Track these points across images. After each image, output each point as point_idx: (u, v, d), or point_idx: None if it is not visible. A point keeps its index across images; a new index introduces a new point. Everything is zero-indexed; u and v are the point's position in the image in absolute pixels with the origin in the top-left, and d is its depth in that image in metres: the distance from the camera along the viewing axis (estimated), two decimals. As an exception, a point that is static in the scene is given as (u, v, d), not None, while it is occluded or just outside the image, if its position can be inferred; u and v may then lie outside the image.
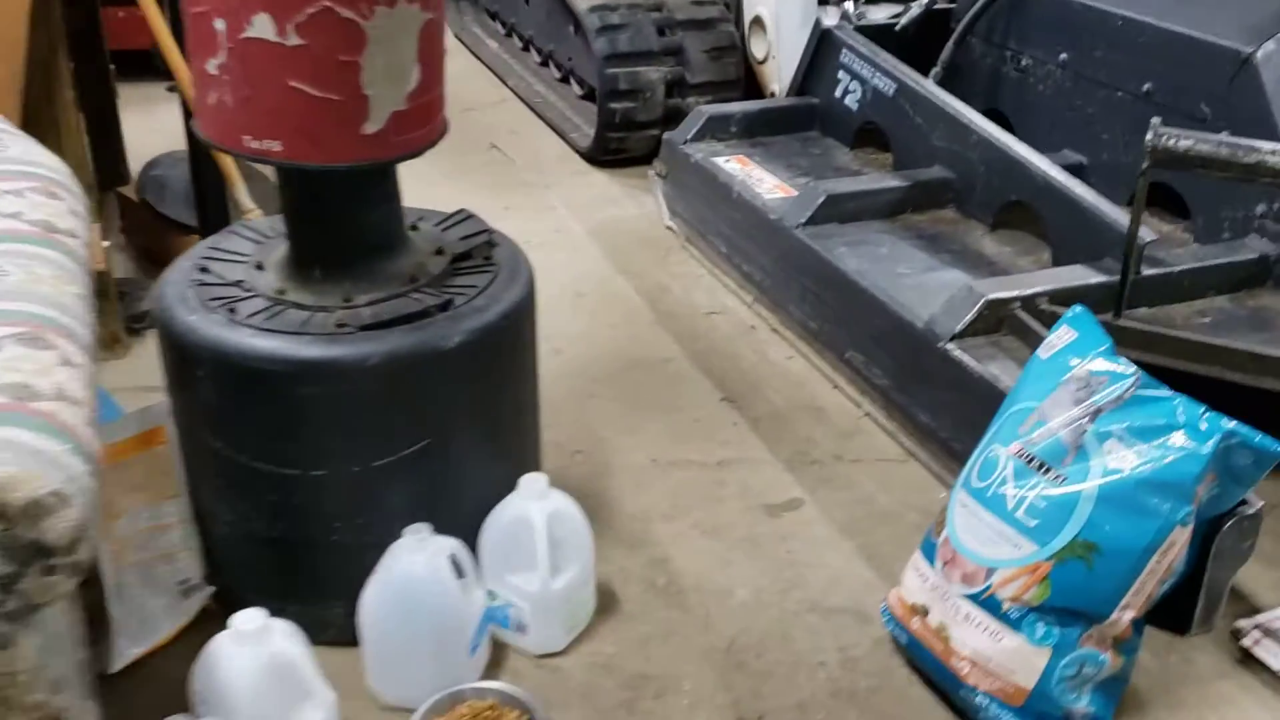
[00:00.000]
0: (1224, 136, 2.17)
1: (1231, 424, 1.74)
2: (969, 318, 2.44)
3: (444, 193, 4.16)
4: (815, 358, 2.99)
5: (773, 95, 4.05)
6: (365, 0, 1.71)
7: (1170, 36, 2.94)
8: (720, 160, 3.48)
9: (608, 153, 4.23)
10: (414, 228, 2.18)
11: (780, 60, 3.99)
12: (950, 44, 3.50)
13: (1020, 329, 2.43)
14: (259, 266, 2.05)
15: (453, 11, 6.00)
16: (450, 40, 6.06)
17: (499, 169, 4.30)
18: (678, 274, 3.48)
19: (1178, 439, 1.75)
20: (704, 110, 3.67)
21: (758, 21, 4.07)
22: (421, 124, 1.89)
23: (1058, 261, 2.81)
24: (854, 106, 3.54)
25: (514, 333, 2.03)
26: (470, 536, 2.00)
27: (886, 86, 3.37)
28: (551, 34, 4.83)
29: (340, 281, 1.97)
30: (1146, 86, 3.01)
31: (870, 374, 2.75)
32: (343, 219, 1.96)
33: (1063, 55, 3.26)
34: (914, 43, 3.69)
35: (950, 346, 2.44)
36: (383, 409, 1.88)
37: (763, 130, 3.69)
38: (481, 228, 2.20)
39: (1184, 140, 2.11)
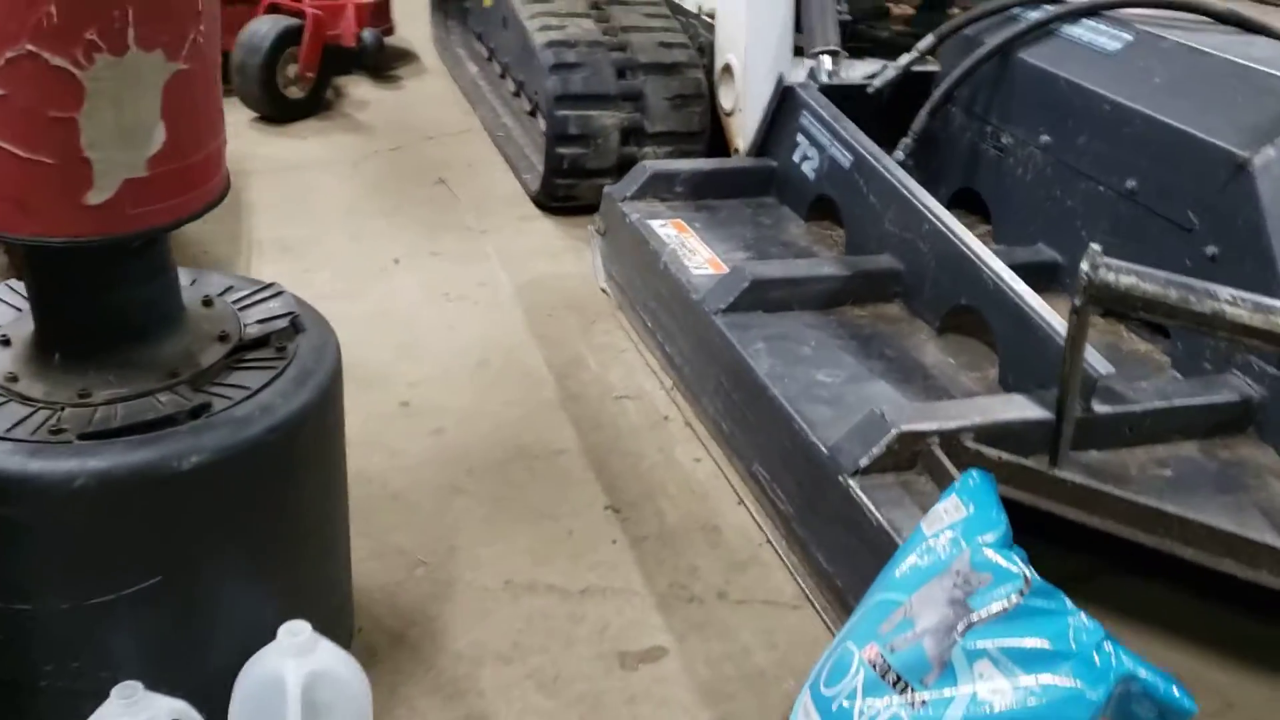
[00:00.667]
0: (1175, 276, 1.79)
1: (1134, 665, 1.35)
2: (876, 451, 2.07)
3: (373, 228, 3.78)
4: (725, 464, 2.61)
5: (736, 152, 3.68)
6: (81, 46, 1.37)
7: (1160, 129, 2.56)
8: (656, 224, 3.12)
9: (555, 199, 3.88)
10: (207, 302, 1.83)
11: (746, 114, 3.62)
12: (924, 111, 3.12)
13: (936, 470, 2.05)
14: (5, 341, 1.71)
15: (440, 29, 5.69)
16: (432, 60, 5.80)
17: (440, 206, 3.97)
18: (598, 345, 3.12)
19: (1064, 675, 1.37)
20: (648, 166, 3.31)
21: (727, 70, 3.70)
22: (174, 192, 1.54)
23: (1004, 382, 2.43)
24: (810, 175, 3.17)
25: (288, 449, 1.67)
26: (225, 693, 1.65)
27: (843, 157, 3.00)
28: (524, 63, 4.49)
29: (81, 371, 1.63)
30: (1131, 184, 2.63)
31: (774, 496, 2.37)
32: (84, 298, 1.61)
33: (1045, 137, 2.88)
34: (889, 108, 3.31)
35: (852, 482, 2.07)
36: (98, 538, 1.53)
37: (711, 192, 3.33)
38: (288, 309, 1.85)
39: (1126, 276, 1.73)
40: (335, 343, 1.86)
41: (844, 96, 3.25)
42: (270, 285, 1.91)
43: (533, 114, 4.43)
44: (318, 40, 4.63)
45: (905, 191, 2.75)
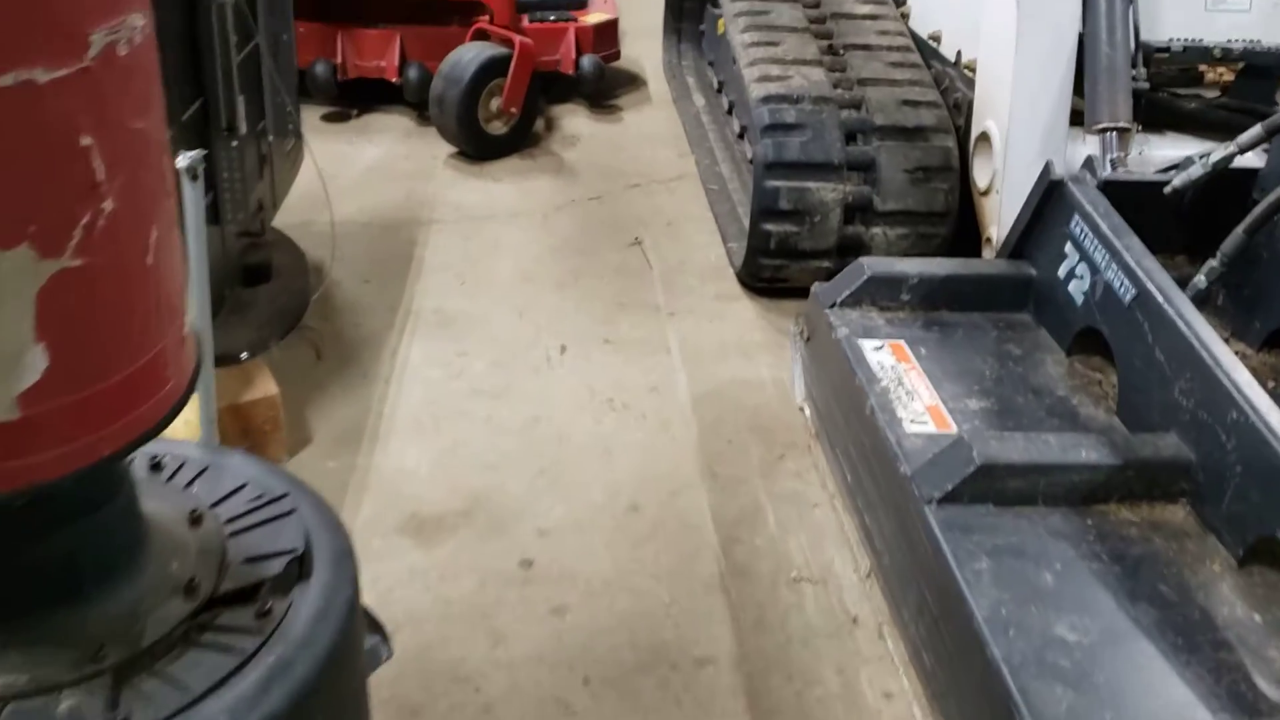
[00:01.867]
0: None
1: None
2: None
3: (547, 303, 3.28)
4: (926, 711, 1.96)
5: (988, 242, 2.97)
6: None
7: None
8: (869, 346, 2.47)
9: (760, 280, 3.27)
10: (196, 518, 1.34)
11: (1004, 198, 2.91)
12: (1241, 229, 2.34)
13: None
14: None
15: (670, 53, 5.16)
16: (658, 87, 5.26)
17: (628, 277, 3.43)
18: (783, 494, 2.50)
19: None
20: (867, 267, 2.65)
21: (985, 138, 2.99)
22: (68, 435, 1.05)
23: (1342, 668, 1.67)
24: (1078, 298, 2.44)
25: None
26: None
27: (1122, 286, 2.26)
28: (747, 109, 3.90)
29: (-25, 646, 1.17)
30: None
31: (982, 791, 1.70)
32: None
33: None
34: (1193, 214, 2.54)
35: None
36: None
37: (948, 302, 2.64)
38: (294, 542, 1.33)
39: None
40: (349, 598, 1.33)
41: (1128, 196, 2.50)
42: (283, 498, 1.40)
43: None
44: (525, 72, 4.18)
45: (1206, 354, 2.00)
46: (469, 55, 4.13)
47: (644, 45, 5.38)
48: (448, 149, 4.25)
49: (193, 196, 1.77)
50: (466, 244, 3.60)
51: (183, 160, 1.74)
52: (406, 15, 4.48)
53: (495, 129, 4.23)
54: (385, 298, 3.25)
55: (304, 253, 3.14)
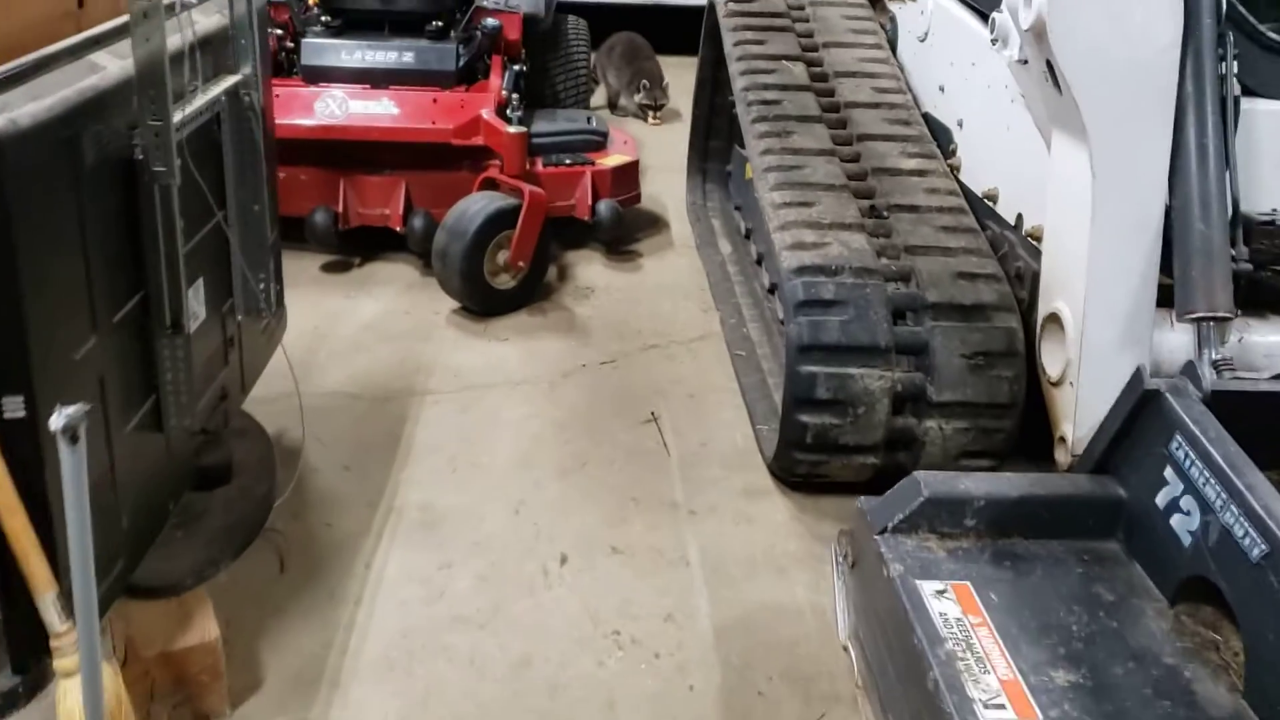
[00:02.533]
0: None
1: None
2: None
3: (546, 497, 2.82)
4: None
5: (1062, 441, 2.55)
6: None
7: None
8: (929, 590, 2.03)
9: (795, 475, 2.85)
10: None
11: (1080, 391, 2.49)
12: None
13: None
14: None
15: (695, 194, 4.83)
16: (681, 229, 4.90)
17: (641, 463, 3.02)
18: (823, 773, 2.05)
19: None
20: (923, 484, 2.22)
21: (1055, 320, 2.59)
22: None
23: None
24: (1184, 538, 2.00)
25: None
26: None
27: (1247, 536, 1.82)
28: (776, 267, 3.53)
29: None
30: None
31: None
32: None
33: None
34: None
35: None
36: None
37: (1021, 528, 2.20)
38: None
39: None
40: None
41: (1244, 406, 2.07)
42: None
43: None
44: (535, 225, 3.83)
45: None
46: (475, 207, 3.79)
47: (666, 182, 5.06)
48: (451, 304, 3.89)
49: (72, 463, 1.37)
50: (463, 419, 3.21)
51: (57, 419, 1.34)
52: (412, 161, 4.17)
53: (502, 283, 3.87)
54: (365, 489, 2.85)
55: (274, 440, 2.75)
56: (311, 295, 3.94)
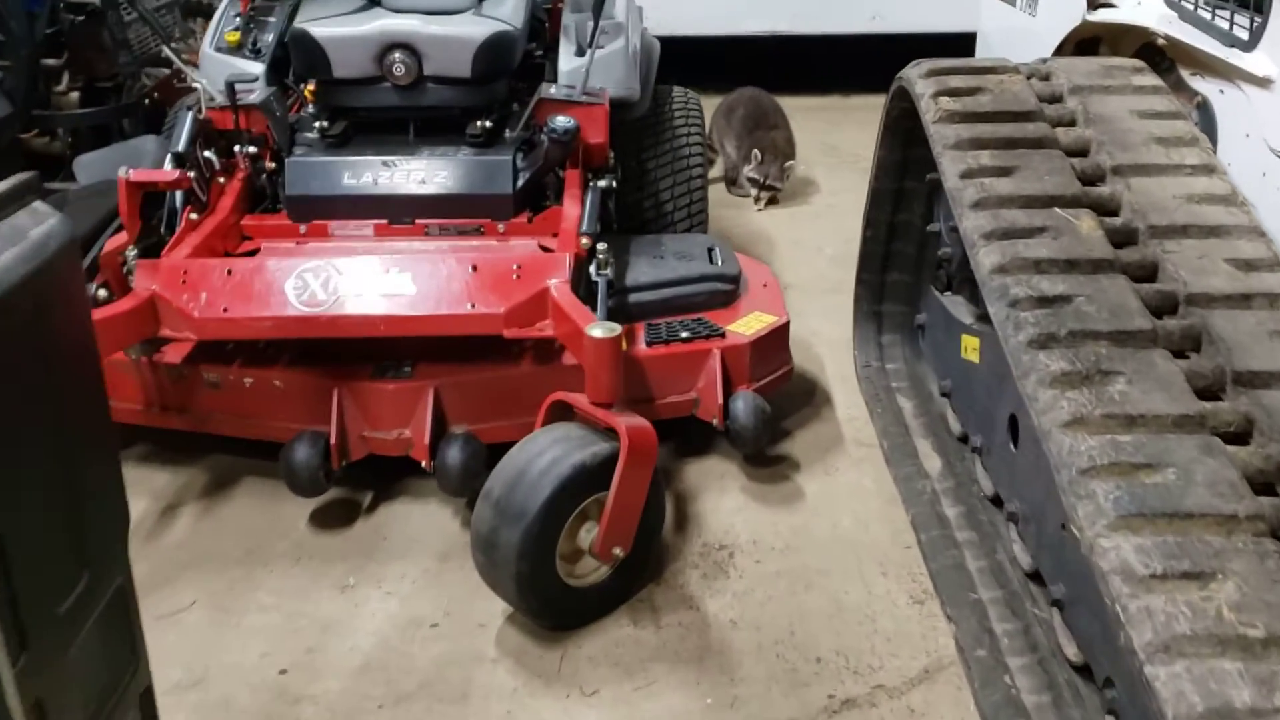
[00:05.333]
0: None
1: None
2: None
3: None
4: None
5: None
6: None
7: None
8: None
9: None
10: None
11: None
12: None
13: None
14: None
15: (868, 347, 3.30)
16: (848, 409, 3.35)
17: None
18: None
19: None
20: None
21: None
22: None
23: None
24: None
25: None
26: None
27: None
28: (1053, 550, 2.01)
29: None
30: None
31: None
32: None
33: None
34: None
35: None
36: None
37: None
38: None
39: None
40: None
41: None
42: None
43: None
44: (638, 487, 2.32)
45: None
46: (539, 462, 2.28)
47: (808, 305, 3.59)
48: (501, 605, 2.41)
49: None
50: None
51: None
52: (446, 351, 2.71)
53: (586, 577, 2.39)
54: None
55: None
56: (288, 585, 2.51)
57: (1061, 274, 2.04)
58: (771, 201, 4.79)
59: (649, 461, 2.32)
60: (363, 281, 2.60)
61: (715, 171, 4.89)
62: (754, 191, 4.77)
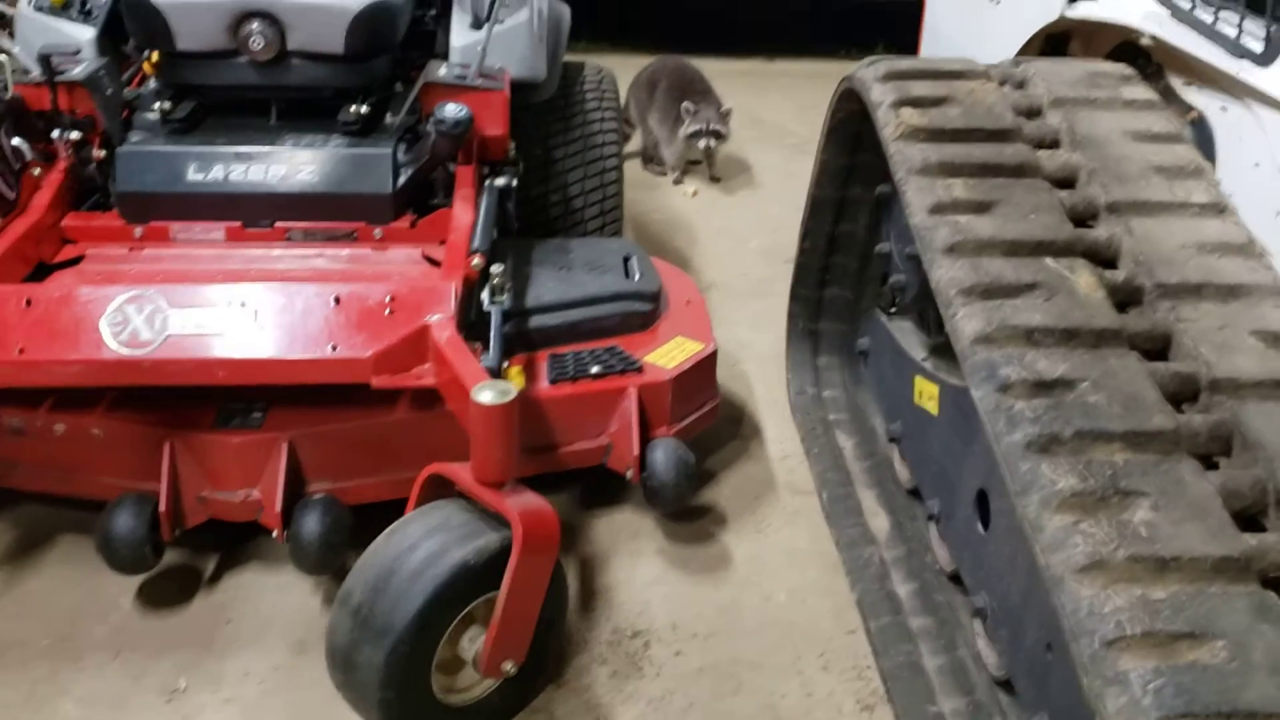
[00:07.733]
0: None
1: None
2: None
3: None
4: None
5: None
6: None
7: None
8: None
9: None
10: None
11: None
12: None
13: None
14: None
15: (803, 372, 2.90)
16: (781, 445, 2.90)
17: None
18: None
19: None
20: None
21: None
22: None
23: None
24: None
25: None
26: None
27: None
28: (1014, 627, 1.64)
29: None
30: None
31: None
32: None
33: None
34: None
35: None
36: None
37: None
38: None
39: None
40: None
41: None
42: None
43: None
44: (533, 589, 1.89)
45: None
46: (410, 560, 1.83)
47: (734, 313, 3.19)
48: None
49: None
50: None
51: None
52: (302, 397, 2.24)
53: (469, 690, 1.96)
54: None
55: None
56: (101, 689, 2.04)
57: (1060, 347, 1.66)
58: (714, 180, 4.40)
59: (549, 552, 1.89)
60: (198, 316, 2.11)
61: (631, 146, 4.45)
62: (680, 168, 4.37)
